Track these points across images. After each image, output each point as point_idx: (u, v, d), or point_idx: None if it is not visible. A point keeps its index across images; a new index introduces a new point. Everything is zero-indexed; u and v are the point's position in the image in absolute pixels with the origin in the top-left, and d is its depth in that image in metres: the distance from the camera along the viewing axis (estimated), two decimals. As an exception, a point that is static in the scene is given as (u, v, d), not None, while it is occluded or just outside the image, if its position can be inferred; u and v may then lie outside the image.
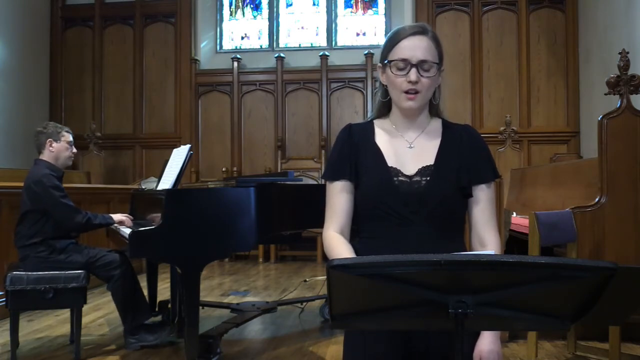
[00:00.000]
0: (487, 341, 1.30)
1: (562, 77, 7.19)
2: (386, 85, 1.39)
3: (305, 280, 5.26)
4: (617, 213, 3.12)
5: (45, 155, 3.20)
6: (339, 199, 1.39)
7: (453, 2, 7.39)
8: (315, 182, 7.00)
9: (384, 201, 1.33)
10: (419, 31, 1.34)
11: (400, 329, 1.28)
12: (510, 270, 0.87)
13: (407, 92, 1.32)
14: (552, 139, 7.15)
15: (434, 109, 1.43)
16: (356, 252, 1.36)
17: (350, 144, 1.41)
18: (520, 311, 0.92)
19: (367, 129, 1.43)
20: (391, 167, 1.35)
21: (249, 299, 4.51)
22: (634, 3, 5.47)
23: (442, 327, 0.94)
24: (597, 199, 3.16)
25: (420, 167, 1.35)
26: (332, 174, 1.40)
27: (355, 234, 1.42)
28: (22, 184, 3.17)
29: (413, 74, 1.30)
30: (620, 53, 3.22)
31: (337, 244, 1.35)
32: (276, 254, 7.04)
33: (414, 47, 1.32)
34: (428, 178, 1.33)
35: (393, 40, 1.35)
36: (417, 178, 1.34)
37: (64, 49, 7.95)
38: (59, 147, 3.22)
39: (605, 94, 3.31)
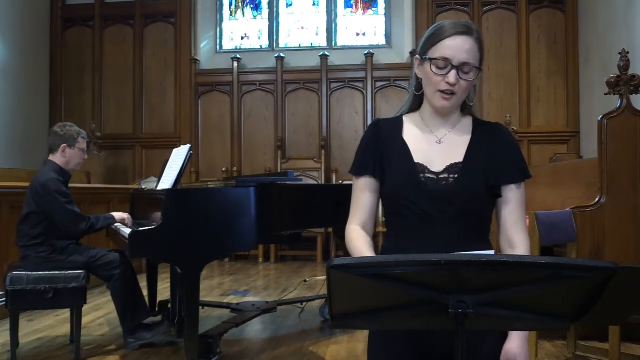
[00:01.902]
0: (515, 343, 1.28)
1: (562, 77, 7.19)
2: (421, 79, 1.36)
3: (305, 280, 5.26)
4: (617, 213, 3.12)
5: (57, 158, 3.20)
6: (362, 195, 1.39)
7: (453, 2, 7.40)
8: (316, 182, 7.00)
9: (409, 198, 1.30)
10: (465, 31, 1.29)
11: (400, 328, 1.28)
12: (510, 270, 0.87)
13: (442, 92, 1.29)
14: (552, 139, 7.14)
15: (466, 109, 1.40)
16: (383, 250, 1.36)
17: (376, 140, 1.38)
18: (520, 311, 0.92)
19: (395, 124, 1.41)
20: (417, 163, 1.32)
21: (249, 299, 4.51)
22: (634, 3, 5.47)
23: (442, 327, 0.94)
24: (597, 199, 3.16)
25: (449, 164, 1.32)
26: (357, 169, 1.39)
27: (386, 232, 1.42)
28: (22, 184, 3.17)
29: (452, 76, 1.27)
30: (620, 53, 3.22)
31: (357, 237, 1.36)
32: (276, 254, 7.04)
33: (458, 48, 1.27)
34: (456, 176, 1.30)
35: (437, 36, 1.30)
36: (445, 175, 1.30)
37: (64, 49, 7.95)
38: (71, 154, 3.22)
39: (605, 94, 3.31)
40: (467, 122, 1.40)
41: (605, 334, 2.83)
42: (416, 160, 1.33)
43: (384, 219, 1.42)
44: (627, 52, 3.21)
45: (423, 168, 1.32)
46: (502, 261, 0.86)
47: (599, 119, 3.20)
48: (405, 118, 1.42)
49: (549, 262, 0.86)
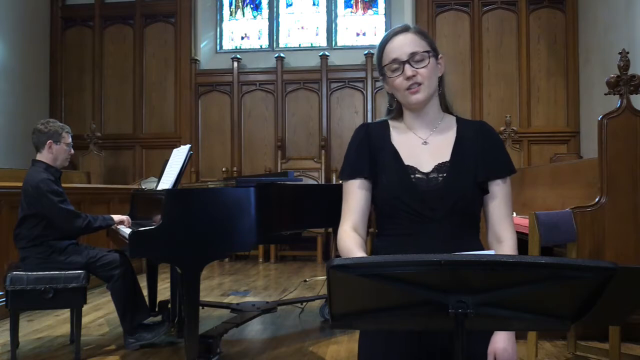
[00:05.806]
0: (501, 339, 1.30)
1: (562, 77, 7.19)
2: (392, 93, 1.41)
3: (305, 280, 5.26)
4: (617, 213, 3.12)
5: (44, 156, 3.16)
6: (355, 196, 1.39)
7: (453, 2, 7.39)
8: (316, 182, 7.00)
9: (401, 199, 1.33)
10: (401, 30, 1.38)
11: (401, 328, 1.28)
12: (510, 270, 0.87)
13: (408, 89, 1.34)
14: (552, 139, 7.14)
15: (444, 104, 1.44)
16: (376, 249, 1.38)
17: (368, 142, 1.41)
18: (520, 311, 0.92)
19: (383, 128, 1.43)
20: (408, 165, 1.36)
21: (249, 299, 4.51)
22: (634, 3, 5.47)
23: (443, 327, 0.94)
24: (597, 199, 3.16)
25: (437, 164, 1.35)
26: (350, 173, 1.40)
27: (377, 233, 1.43)
28: (22, 184, 3.16)
29: (408, 70, 1.33)
30: (620, 53, 3.22)
31: (346, 237, 1.37)
32: (276, 254, 7.03)
33: (400, 45, 1.35)
34: (445, 174, 1.34)
35: (380, 48, 1.40)
36: (434, 175, 1.34)
37: (64, 49, 7.95)
38: (58, 150, 3.18)
39: (605, 94, 3.31)
40: (450, 121, 1.44)
41: (605, 334, 2.83)
42: (406, 162, 1.36)
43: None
44: (627, 52, 3.21)
45: (413, 169, 1.35)
46: (502, 261, 0.86)
47: (599, 119, 3.20)
48: (390, 122, 1.45)
49: (549, 262, 0.86)
